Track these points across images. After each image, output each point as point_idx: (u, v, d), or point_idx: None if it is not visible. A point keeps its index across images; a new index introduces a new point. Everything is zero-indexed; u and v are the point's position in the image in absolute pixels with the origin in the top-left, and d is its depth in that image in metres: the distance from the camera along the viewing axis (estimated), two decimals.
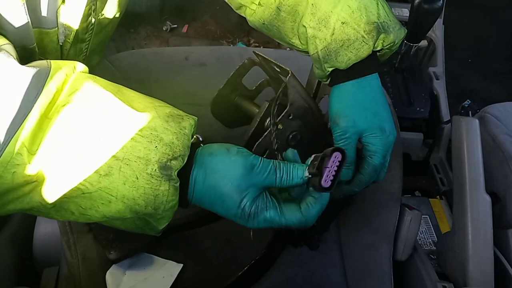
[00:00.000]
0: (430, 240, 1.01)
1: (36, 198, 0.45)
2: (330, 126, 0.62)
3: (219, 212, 0.51)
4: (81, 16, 0.63)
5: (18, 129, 0.43)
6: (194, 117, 0.51)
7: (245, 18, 0.77)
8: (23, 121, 0.43)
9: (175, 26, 1.99)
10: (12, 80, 0.44)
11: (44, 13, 0.58)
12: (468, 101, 0.78)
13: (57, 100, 0.46)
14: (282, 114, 0.62)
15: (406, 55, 1.14)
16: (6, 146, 0.42)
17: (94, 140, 0.45)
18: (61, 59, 0.67)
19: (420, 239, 1.01)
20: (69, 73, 0.48)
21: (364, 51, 0.58)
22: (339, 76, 0.61)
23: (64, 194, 0.45)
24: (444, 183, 1.17)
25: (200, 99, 0.72)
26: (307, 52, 0.65)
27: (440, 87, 1.22)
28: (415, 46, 1.10)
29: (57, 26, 0.62)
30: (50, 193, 0.45)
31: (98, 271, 0.67)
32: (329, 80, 0.64)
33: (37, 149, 0.44)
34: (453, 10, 1.29)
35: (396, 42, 0.60)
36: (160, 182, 0.46)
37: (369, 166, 0.60)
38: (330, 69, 0.61)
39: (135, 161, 0.46)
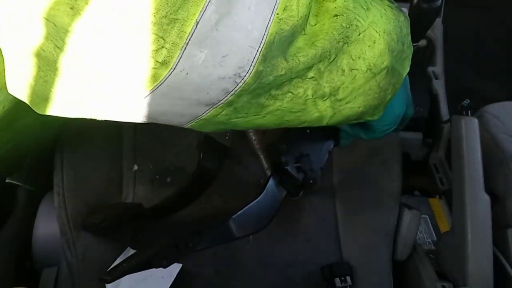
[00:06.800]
0: (430, 240, 1.01)
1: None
2: None
3: None
4: None
5: None
6: None
7: None
8: None
9: None
10: None
11: None
12: (467, 101, 0.78)
13: None
14: None
15: None
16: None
17: None
18: None
19: (419, 239, 1.01)
20: None
21: None
22: None
23: (347, 37, 0.44)
24: (444, 182, 1.16)
25: None
26: None
27: (439, 86, 1.22)
28: (414, 45, 1.10)
29: None
30: None
31: (98, 271, 0.67)
32: None
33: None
34: (453, 9, 1.28)
35: None
36: (398, 13, 0.49)
37: None
38: None
39: None
